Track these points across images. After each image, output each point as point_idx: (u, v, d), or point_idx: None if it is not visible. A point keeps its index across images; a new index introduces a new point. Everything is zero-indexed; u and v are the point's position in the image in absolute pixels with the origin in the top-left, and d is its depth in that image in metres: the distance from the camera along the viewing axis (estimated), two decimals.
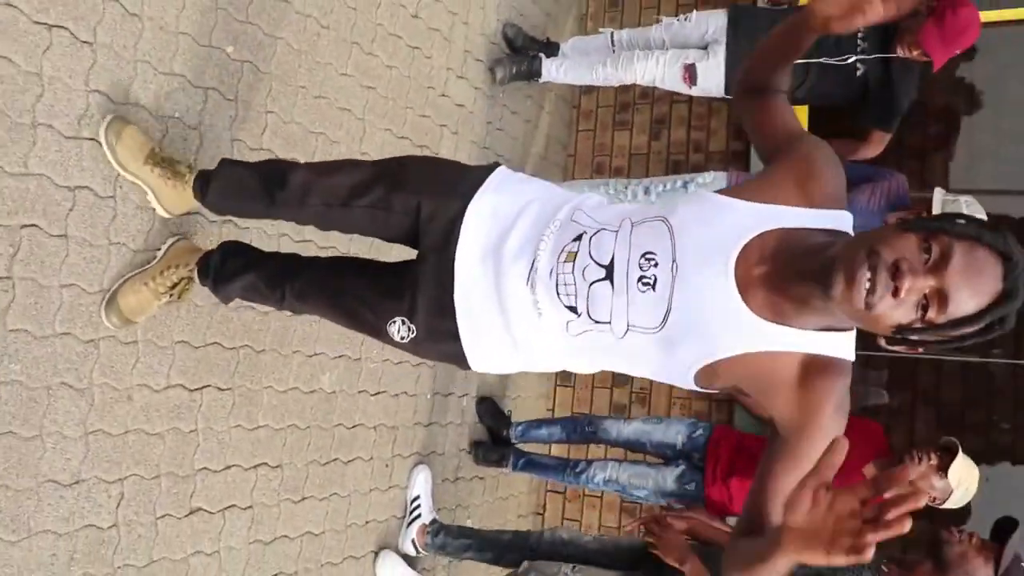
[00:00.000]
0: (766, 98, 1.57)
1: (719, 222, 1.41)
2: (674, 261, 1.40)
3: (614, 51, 3.52)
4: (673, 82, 3.34)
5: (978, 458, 2.69)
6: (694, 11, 3.41)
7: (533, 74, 3.68)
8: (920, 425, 3.72)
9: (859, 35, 3.05)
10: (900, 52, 2.96)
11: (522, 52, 3.72)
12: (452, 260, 1.63)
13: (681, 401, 4.01)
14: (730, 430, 3.10)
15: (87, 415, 2.04)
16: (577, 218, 1.56)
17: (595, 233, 1.51)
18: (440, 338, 1.68)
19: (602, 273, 1.46)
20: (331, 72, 2.79)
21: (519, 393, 4.00)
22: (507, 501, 3.96)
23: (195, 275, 2.12)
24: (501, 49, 3.75)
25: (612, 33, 3.58)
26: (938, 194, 2.82)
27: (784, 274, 1.32)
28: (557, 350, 1.59)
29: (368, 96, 2.95)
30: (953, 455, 2.59)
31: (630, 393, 4.11)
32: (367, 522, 2.99)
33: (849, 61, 3.03)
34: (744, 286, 1.35)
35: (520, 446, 3.57)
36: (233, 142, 2.43)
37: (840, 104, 3.24)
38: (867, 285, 1.19)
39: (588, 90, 4.37)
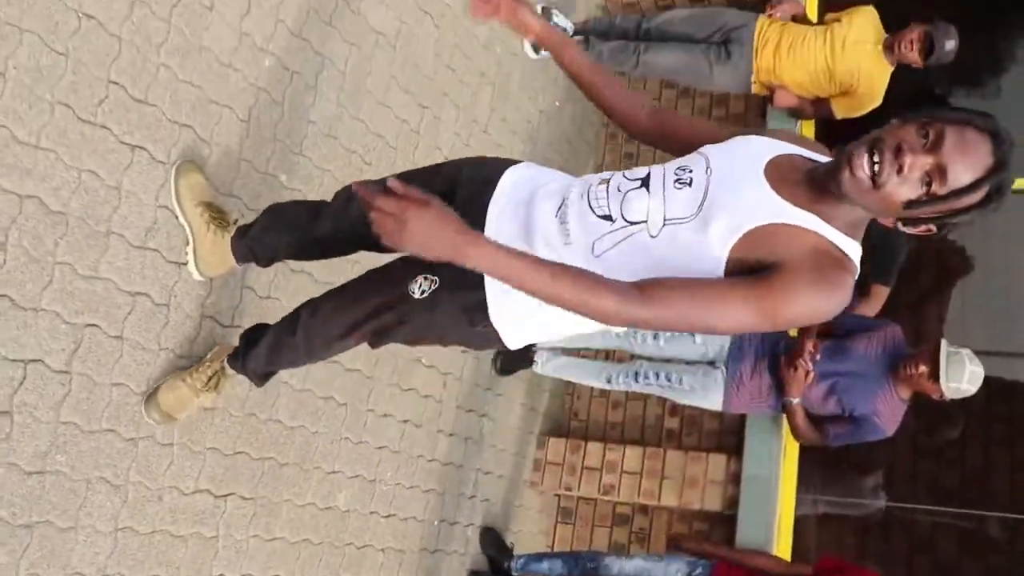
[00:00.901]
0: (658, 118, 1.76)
1: (744, 147, 1.56)
2: (708, 167, 1.52)
3: None
4: None
5: None
6: None
7: None
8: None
9: None
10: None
11: None
12: (485, 207, 1.72)
13: (684, 546, 4.01)
14: (730, 568, 3.13)
15: (119, 511, 2.10)
16: (614, 180, 1.63)
17: (630, 171, 1.63)
18: (463, 286, 1.65)
19: (637, 184, 1.56)
20: None
21: (520, 527, 4.02)
22: None
23: (225, 364, 2.20)
24: None
25: None
26: (944, 345, 2.98)
27: (809, 180, 1.47)
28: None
29: None
30: None
31: (630, 532, 4.13)
32: None
33: None
34: (774, 178, 1.48)
35: None
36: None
37: None
38: (875, 167, 1.35)
39: None
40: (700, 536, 3.62)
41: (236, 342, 2.41)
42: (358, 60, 2.93)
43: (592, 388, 4.01)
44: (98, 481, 2.04)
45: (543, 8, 4.03)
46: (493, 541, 3.66)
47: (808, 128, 4.15)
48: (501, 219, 1.70)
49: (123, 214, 2.11)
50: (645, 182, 1.56)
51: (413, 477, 3.23)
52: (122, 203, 2.11)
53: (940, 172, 1.34)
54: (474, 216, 1.59)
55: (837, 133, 4.00)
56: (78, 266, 2.00)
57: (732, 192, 1.47)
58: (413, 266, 1.72)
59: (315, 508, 2.74)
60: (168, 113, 2.22)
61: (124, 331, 2.12)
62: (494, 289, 1.64)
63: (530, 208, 1.67)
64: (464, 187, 1.79)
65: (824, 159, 1.55)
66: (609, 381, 3.57)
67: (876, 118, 3.75)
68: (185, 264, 2.26)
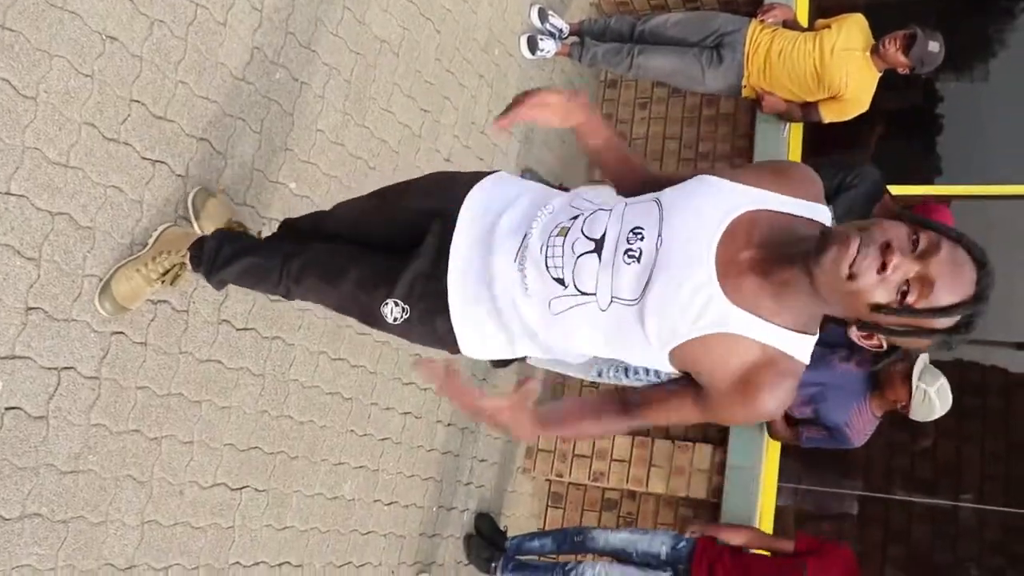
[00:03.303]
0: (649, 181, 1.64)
1: (707, 199, 1.43)
2: (659, 235, 1.42)
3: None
4: None
5: None
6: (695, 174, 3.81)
7: None
8: (890, 567, 3.93)
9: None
10: None
11: None
12: (448, 244, 1.69)
13: (666, 526, 4.19)
14: (712, 544, 3.30)
15: (145, 506, 2.24)
16: (576, 203, 1.61)
17: (591, 213, 1.55)
18: (432, 320, 1.71)
19: (591, 246, 1.49)
20: None
21: (513, 511, 4.19)
22: None
23: (187, 261, 2.13)
24: None
25: None
26: (921, 359, 3.13)
27: (771, 257, 1.36)
28: (540, 328, 1.60)
29: None
30: None
31: (618, 516, 4.30)
32: None
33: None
34: (725, 269, 1.38)
35: None
36: None
37: None
38: (855, 256, 1.23)
39: None
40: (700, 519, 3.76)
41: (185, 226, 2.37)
42: (363, 68, 3.04)
43: (583, 380, 4.15)
44: (125, 479, 2.18)
45: (540, 9, 4.13)
46: (487, 525, 3.82)
47: (796, 131, 4.28)
48: (463, 261, 1.69)
49: (144, 226, 2.23)
50: (599, 247, 1.49)
51: (413, 466, 3.38)
52: (144, 215, 2.23)
53: (924, 284, 1.23)
54: (437, 259, 1.70)
55: (825, 136, 4.14)
56: (105, 278, 2.12)
57: (674, 282, 1.39)
58: (384, 288, 1.75)
59: (323, 498, 2.89)
60: (186, 128, 2.34)
61: (148, 337, 2.25)
62: (458, 321, 1.70)
63: (490, 245, 1.64)
64: (429, 225, 1.76)
65: (800, 205, 1.43)
66: (600, 375, 3.72)
67: (863, 122, 3.88)
68: None
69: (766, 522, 3.92)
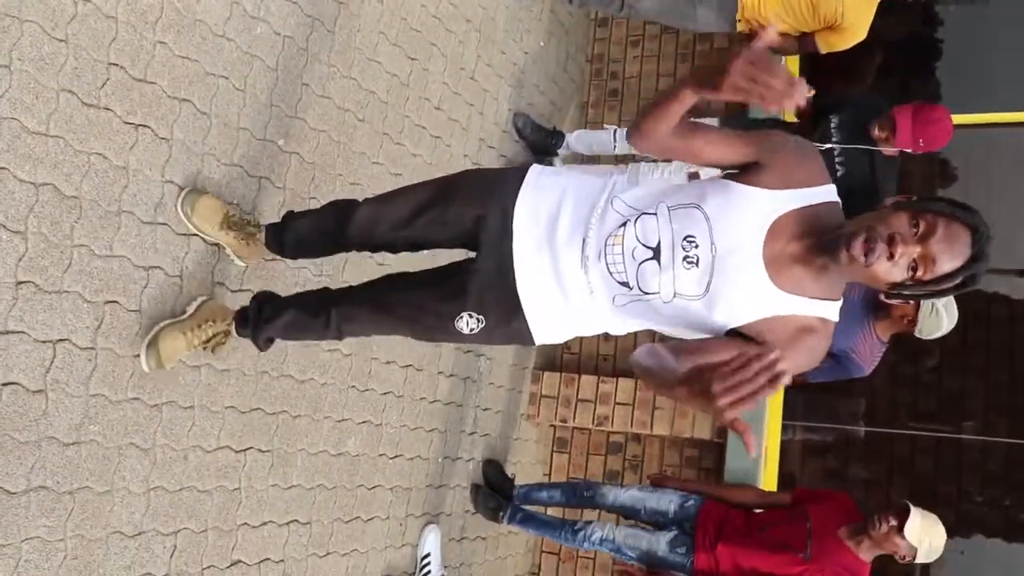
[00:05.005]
0: (688, 133, 1.71)
1: (746, 211, 1.68)
2: (712, 243, 1.68)
3: (616, 147, 3.84)
4: None
5: (952, 531, 2.93)
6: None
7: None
8: (895, 497, 3.97)
9: (832, 124, 3.37)
10: (874, 134, 3.25)
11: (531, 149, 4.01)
12: (511, 254, 1.88)
13: (672, 468, 4.23)
14: (718, 504, 3.32)
15: (150, 473, 2.25)
16: (616, 207, 1.79)
17: (637, 219, 1.75)
18: (508, 322, 1.92)
19: (650, 254, 1.72)
20: (365, 161, 3.08)
21: (519, 458, 4.22)
22: (506, 561, 4.14)
23: (232, 329, 2.28)
24: (512, 137, 4.07)
25: (615, 131, 3.91)
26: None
27: (807, 248, 1.65)
28: (606, 316, 1.86)
29: (396, 182, 3.23)
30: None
31: (623, 460, 4.34)
32: None
33: (832, 154, 3.34)
34: (772, 264, 1.66)
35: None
36: None
37: None
38: (870, 251, 1.53)
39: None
40: (679, 477, 3.80)
41: (226, 298, 2.51)
42: (346, 18, 2.96)
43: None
44: (128, 447, 2.18)
45: None
46: (495, 472, 3.85)
47: (792, 65, 4.19)
48: (529, 268, 1.87)
49: (132, 192, 2.19)
50: (656, 254, 1.72)
51: (417, 419, 3.39)
52: (130, 182, 2.19)
53: (928, 261, 1.53)
54: (503, 269, 1.88)
55: (822, 68, 4.05)
56: (94, 247, 2.09)
57: (733, 282, 1.67)
58: (456, 302, 1.93)
59: (327, 455, 2.90)
60: (167, 89, 2.28)
61: (142, 304, 2.22)
62: (533, 320, 1.92)
63: (553, 252, 1.84)
64: (484, 236, 1.93)
65: (815, 193, 1.69)
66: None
67: (861, 52, 3.79)
68: (194, 235, 2.35)
69: (771, 459, 3.94)
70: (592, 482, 3.65)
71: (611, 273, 1.77)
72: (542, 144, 4.01)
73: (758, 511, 3.30)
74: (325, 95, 2.89)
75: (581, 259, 1.80)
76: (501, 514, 3.68)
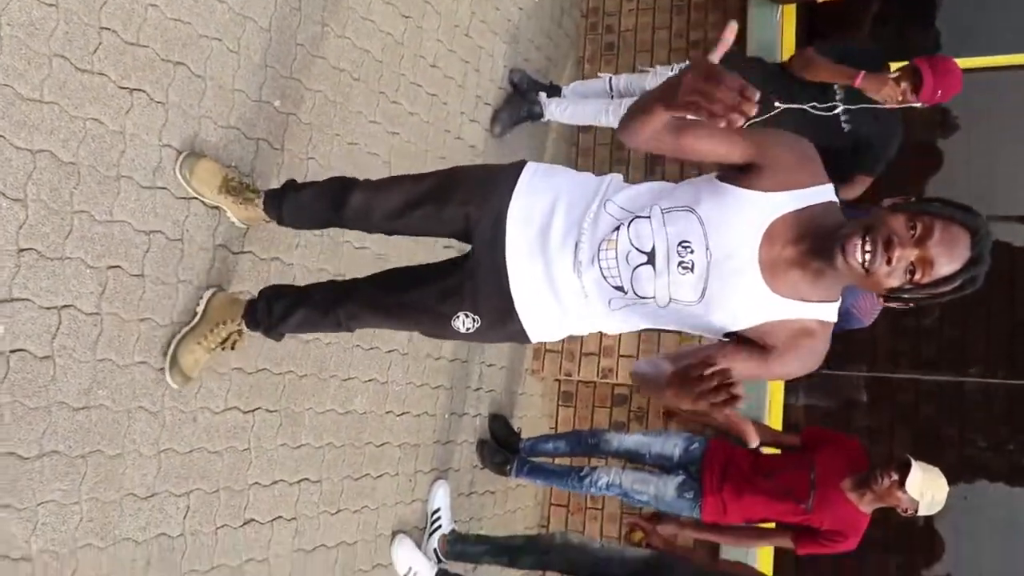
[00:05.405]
0: (679, 131, 1.64)
1: (741, 215, 1.66)
2: (708, 249, 1.67)
3: (612, 96, 3.81)
4: None
5: (955, 476, 2.96)
6: (687, 60, 3.71)
7: (534, 117, 3.97)
8: (898, 443, 4.01)
9: (835, 85, 3.34)
10: (900, 88, 3.21)
11: (521, 100, 3.96)
12: (503, 258, 1.89)
13: (676, 419, 4.27)
14: (723, 444, 3.35)
15: (160, 435, 2.28)
16: (609, 210, 1.79)
17: (630, 222, 1.74)
18: (503, 323, 1.94)
19: (644, 259, 1.72)
20: (362, 120, 3.06)
21: (524, 412, 4.26)
22: (515, 514, 4.20)
23: (244, 327, 2.32)
24: (507, 93, 4.04)
25: (610, 78, 3.87)
26: None
27: (804, 252, 1.63)
28: (602, 318, 1.87)
29: (393, 141, 3.23)
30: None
31: (628, 411, 4.38)
32: (394, 533, 3.23)
33: (835, 112, 3.33)
34: (768, 269, 1.64)
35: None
36: None
37: (824, 148, 3.54)
38: (867, 255, 1.51)
39: (586, 129, 4.66)
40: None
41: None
42: None
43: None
44: (137, 410, 2.21)
45: None
46: (502, 426, 3.89)
47: (789, 15, 4.13)
48: (522, 272, 1.88)
49: (130, 157, 2.19)
50: (651, 258, 1.71)
51: (422, 376, 3.42)
52: (128, 146, 2.18)
53: (926, 264, 1.50)
54: (497, 272, 1.89)
55: (819, 17, 3.99)
56: (94, 212, 2.10)
57: (729, 287, 1.66)
58: (452, 302, 1.96)
59: (335, 414, 2.93)
60: (161, 53, 2.27)
61: (144, 268, 2.23)
62: (528, 321, 1.93)
63: (546, 256, 1.83)
64: (477, 237, 1.95)
65: (812, 194, 1.65)
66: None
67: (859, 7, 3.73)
68: (194, 198, 2.35)
69: (776, 408, 3.98)
70: (597, 430, 3.69)
71: (605, 278, 1.76)
72: (528, 112, 3.97)
73: (765, 453, 3.34)
74: (320, 55, 2.87)
75: (574, 264, 1.79)
76: (508, 467, 3.72)
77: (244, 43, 2.54)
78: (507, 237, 1.88)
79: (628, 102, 3.68)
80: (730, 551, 3.67)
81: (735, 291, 1.66)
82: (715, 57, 1.43)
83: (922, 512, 2.91)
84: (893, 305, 1.65)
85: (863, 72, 3.18)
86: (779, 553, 3.93)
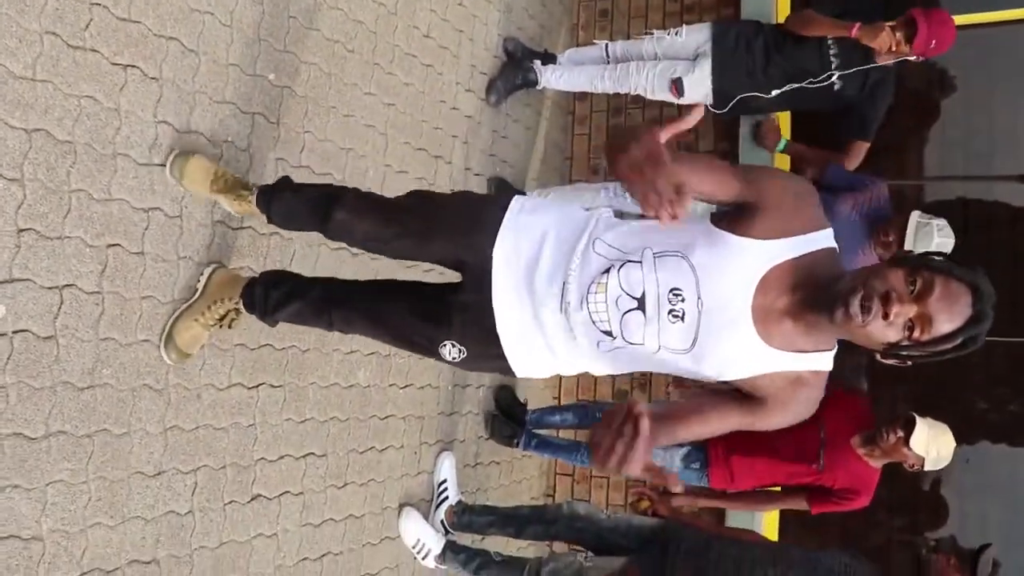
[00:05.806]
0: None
1: (735, 263, 1.60)
2: (699, 298, 1.62)
3: (608, 62, 3.77)
4: (662, 94, 3.61)
5: (957, 436, 2.97)
6: (683, 26, 3.68)
7: (529, 84, 3.93)
8: (901, 403, 4.01)
9: (831, 51, 3.33)
10: (894, 38, 3.19)
11: (515, 68, 3.92)
12: (490, 298, 1.84)
13: (681, 388, 4.27)
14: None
15: (165, 413, 2.28)
16: (599, 249, 1.73)
17: (621, 266, 1.68)
18: (489, 359, 1.92)
19: (634, 304, 1.66)
20: (357, 92, 3.04)
21: (526, 383, 4.26)
22: (520, 484, 4.23)
23: (241, 307, 2.29)
24: (502, 62, 4.00)
25: (607, 44, 3.84)
26: (914, 217, 3.09)
27: (799, 303, 1.58)
28: (591, 359, 1.82)
29: (389, 112, 3.20)
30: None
31: (631, 380, 4.39)
32: (401, 505, 3.25)
33: (831, 80, 3.32)
34: (761, 320, 1.60)
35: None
36: (277, 161, 2.67)
37: (818, 111, 3.53)
38: (863, 310, 1.46)
39: (582, 96, 4.63)
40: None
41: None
42: None
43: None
44: (142, 388, 2.21)
45: None
46: (507, 397, 3.90)
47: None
48: (508, 311, 1.83)
49: (126, 134, 2.17)
50: (641, 304, 1.65)
51: None
52: (123, 124, 2.16)
53: (925, 321, 1.45)
54: (483, 310, 1.84)
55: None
56: (92, 191, 2.08)
57: (721, 339, 1.61)
58: (441, 332, 1.94)
59: (339, 388, 2.93)
60: (153, 28, 2.24)
61: (144, 246, 2.22)
62: (514, 359, 1.89)
63: (532, 296, 1.78)
64: (463, 274, 1.92)
65: (810, 240, 1.60)
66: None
67: None
68: None
69: None
70: (603, 403, 3.70)
71: (594, 322, 1.70)
72: (524, 79, 3.93)
73: None
74: (313, 27, 2.83)
75: (561, 305, 1.74)
76: (516, 441, 3.73)
77: (237, 16, 2.51)
78: (493, 277, 1.83)
79: (624, 67, 3.66)
80: (736, 517, 3.69)
81: (727, 342, 1.61)
82: (663, 136, 1.32)
83: (929, 467, 2.93)
84: (890, 361, 1.56)
85: (859, 23, 3.18)
86: (784, 516, 3.96)
